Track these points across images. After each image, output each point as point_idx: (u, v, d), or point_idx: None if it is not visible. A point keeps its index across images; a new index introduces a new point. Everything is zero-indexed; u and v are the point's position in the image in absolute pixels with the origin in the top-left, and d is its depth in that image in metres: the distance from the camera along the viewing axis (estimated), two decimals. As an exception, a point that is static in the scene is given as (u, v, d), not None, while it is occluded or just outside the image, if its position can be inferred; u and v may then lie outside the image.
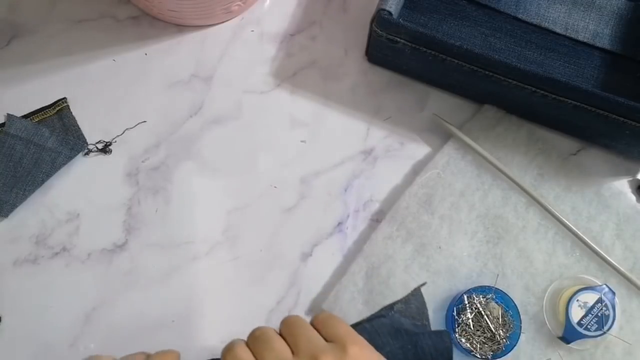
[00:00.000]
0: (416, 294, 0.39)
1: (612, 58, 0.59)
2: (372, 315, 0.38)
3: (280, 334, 0.33)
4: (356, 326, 0.37)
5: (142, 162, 0.55)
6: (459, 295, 0.50)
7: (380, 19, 0.51)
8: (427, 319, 0.39)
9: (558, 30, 0.59)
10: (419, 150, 0.57)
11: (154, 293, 0.52)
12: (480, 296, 0.50)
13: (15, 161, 0.53)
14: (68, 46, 0.58)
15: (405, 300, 0.39)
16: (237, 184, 0.55)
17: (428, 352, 0.36)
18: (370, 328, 0.37)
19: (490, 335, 0.49)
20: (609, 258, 0.52)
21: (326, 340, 0.33)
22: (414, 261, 0.52)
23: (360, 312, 0.51)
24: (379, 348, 0.35)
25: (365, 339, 0.34)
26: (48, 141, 0.54)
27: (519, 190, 0.54)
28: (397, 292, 0.51)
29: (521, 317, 0.50)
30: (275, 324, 0.52)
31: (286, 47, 0.60)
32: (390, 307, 0.39)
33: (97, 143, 0.55)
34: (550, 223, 0.54)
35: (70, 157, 0.54)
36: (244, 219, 0.54)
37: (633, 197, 0.56)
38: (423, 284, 0.40)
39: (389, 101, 0.58)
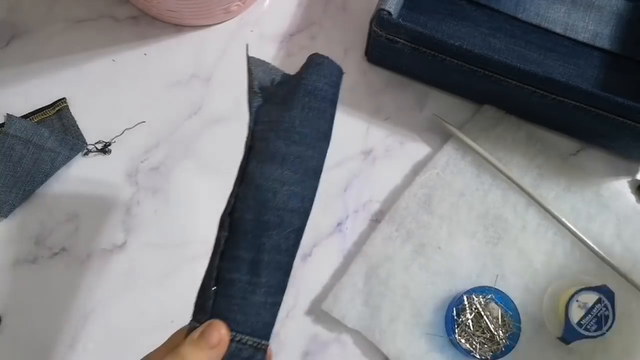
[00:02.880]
0: (250, 62, 0.39)
1: (611, 58, 0.59)
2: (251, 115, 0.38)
3: None
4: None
5: (142, 162, 0.55)
6: (459, 296, 0.50)
7: (379, 19, 0.51)
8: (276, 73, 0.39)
9: (558, 31, 0.59)
10: (419, 150, 0.57)
11: (153, 293, 0.52)
12: (480, 296, 0.50)
13: (15, 161, 0.53)
14: (67, 46, 0.58)
15: (251, 78, 0.39)
16: (237, 184, 0.55)
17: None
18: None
19: (490, 336, 0.49)
20: (608, 258, 0.52)
21: None
22: (413, 261, 0.52)
23: (359, 312, 0.51)
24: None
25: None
26: (47, 141, 0.54)
27: (518, 191, 0.54)
28: (396, 292, 0.51)
29: (521, 317, 0.50)
30: (275, 324, 0.52)
31: (286, 47, 0.60)
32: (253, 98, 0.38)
33: (96, 143, 0.55)
34: (549, 223, 0.54)
35: (69, 158, 0.54)
36: (244, 219, 0.54)
37: (632, 198, 0.56)
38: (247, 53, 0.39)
39: (389, 101, 0.58)
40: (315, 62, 0.37)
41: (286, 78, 0.39)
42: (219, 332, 0.32)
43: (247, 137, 0.36)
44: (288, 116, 0.35)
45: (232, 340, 0.33)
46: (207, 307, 0.33)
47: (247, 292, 0.33)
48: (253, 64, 0.38)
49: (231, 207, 0.35)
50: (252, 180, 0.34)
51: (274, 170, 0.34)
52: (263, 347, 0.34)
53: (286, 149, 0.35)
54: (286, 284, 0.35)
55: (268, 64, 0.39)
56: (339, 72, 0.38)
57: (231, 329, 0.33)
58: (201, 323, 0.33)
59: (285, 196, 0.34)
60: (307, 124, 0.36)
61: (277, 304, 0.35)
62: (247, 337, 0.33)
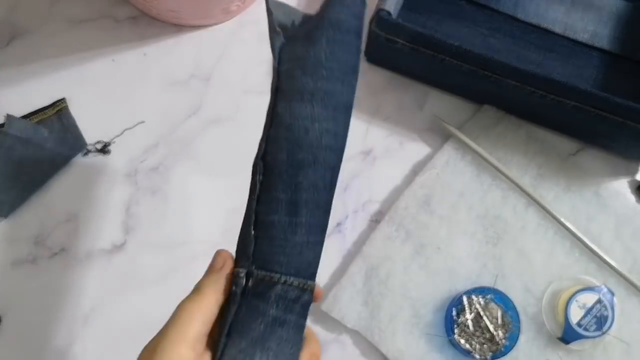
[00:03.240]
0: (269, 3, 0.37)
1: (611, 58, 0.59)
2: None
3: None
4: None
5: (141, 162, 0.55)
6: (458, 296, 0.50)
7: (379, 19, 0.51)
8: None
9: (557, 31, 0.59)
10: (419, 150, 0.57)
11: (153, 293, 0.52)
12: (480, 297, 0.50)
13: (15, 161, 0.53)
14: (67, 46, 0.58)
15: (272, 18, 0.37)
16: (236, 184, 0.55)
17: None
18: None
19: (490, 336, 0.49)
20: (608, 258, 0.52)
21: None
22: (413, 262, 0.52)
23: (359, 312, 0.51)
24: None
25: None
26: (47, 141, 0.54)
27: (518, 191, 0.54)
28: (396, 292, 0.51)
29: (520, 317, 0.50)
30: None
31: (285, 47, 0.60)
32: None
33: (96, 143, 0.55)
34: (549, 223, 0.54)
35: (69, 158, 0.54)
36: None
37: (632, 198, 0.56)
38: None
39: (388, 101, 0.58)
40: None
41: (307, 18, 0.37)
42: (222, 256, 0.34)
43: (273, 79, 0.35)
44: (313, 51, 0.34)
45: (277, 282, 0.32)
46: (248, 252, 0.33)
47: (288, 232, 0.33)
48: (272, 5, 0.36)
49: (263, 150, 0.34)
50: (282, 121, 0.33)
51: (304, 107, 0.33)
52: (309, 287, 0.33)
53: (314, 84, 0.33)
54: (327, 223, 0.34)
55: (287, 5, 0.37)
56: (361, 3, 0.36)
57: (275, 271, 0.33)
58: (245, 268, 0.33)
59: (317, 133, 0.33)
60: (333, 57, 0.34)
61: (319, 243, 0.34)
62: (292, 279, 0.33)
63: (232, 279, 0.33)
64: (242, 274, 0.33)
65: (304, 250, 0.33)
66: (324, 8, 0.36)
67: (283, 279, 0.33)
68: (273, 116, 0.34)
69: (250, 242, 0.33)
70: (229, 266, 0.34)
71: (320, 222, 0.34)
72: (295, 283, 0.33)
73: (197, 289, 0.33)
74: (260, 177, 0.34)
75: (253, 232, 0.33)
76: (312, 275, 0.34)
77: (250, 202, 0.34)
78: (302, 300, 0.33)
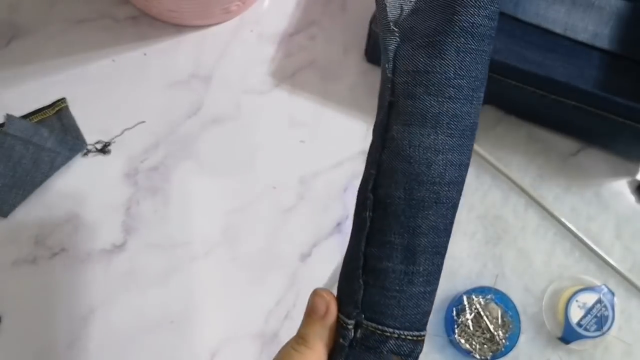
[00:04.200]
0: None
1: (611, 58, 0.59)
2: None
3: None
4: None
5: (141, 162, 0.55)
6: (458, 296, 0.50)
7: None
8: None
9: (557, 31, 0.59)
10: (418, 150, 0.57)
11: (153, 293, 0.52)
12: (480, 297, 0.50)
13: (15, 161, 0.53)
14: (67, 46, 0.58)
15: None
16: (236, 185, 0.55)
17: None
18: None
19: (490, 336, 0.49)
20: (608, 258, 0.52)
21: None
22: (413, 262, 0.52)
23: (359, 312, 0.51)
24: None
25: None
26: (47, 141, 0.54)
27: (518, 191, 0.54)
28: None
29: (520, 317, 0.50)
30: (275, 324, 0.52)
31: (285, 47, 0.60)
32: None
33: (96, 143, 0.55)
34: (549, 223, 0.54)
35: (69, 158, 0.54)
36: (243, 219, 0.54)
37: (632, 198, 0.56)
38: None
39: (389, 101, 0.58)
40: None
41: (422, 5, 0.31)
42: (323, 299, 0.30)
43: (385, 89, 0.30)
44: (439, 65, 0.29)
45: (389, 337, 0.29)
46: (356, 299, 0.29)
47: (404, 283, 0.29)
48: None
49: (373, 182, 0.30)
50: (399, 149, 0.29)
51: (426, 135, 0.29)
52: (422, 338, 0.30)
53: (439, 107, 0.28)
54: (442, 266, 0.30)
55: None
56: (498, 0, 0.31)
57: (388, 325, 0.29)
58: (353, 318, 0.29)
59: (441, 167, 0.29)
60: (463, 72, 0.29)
61: (435, 291, 0.30)
62: (406, 333, 0.29)
63: (338, 328, 0.30)
64: (351, 326, 0.30)
65: (420, 302, 0.30)
66: (450, 3, 0.29)
67: (397, 333, 0.29)
68: (386, 140, 0.30)
69: (359, 289, 0.30)
70: (333, 313, 0.30)
71: (438, 268, 0.30)
72: (410, 337, 0.30)
73: (304, 340, 0.31)
74: (370, 214, 0.30)
75: (362, 277, 0.30)
76: (425, 324, 0.31)
77: (357, 240, 0.30)
78: (415, 353, 0.30)
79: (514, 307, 0.50)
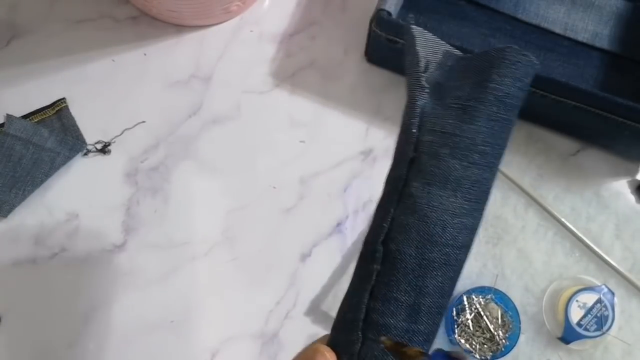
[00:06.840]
0: (415, 37, 0.31)
1: (611, 58, 0.59)
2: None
3: None
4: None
5: (141, 162, 0.55)
6: (458, 296, 0.50)
7: (379, 19, 0.51)
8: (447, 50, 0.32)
9: (557, 31, 0.59)
10: (419, 150, 0.57)
11: (153, 293, 0.52)
12: (480, 297, 0.50)
13: (15, 161, 0.53)
14: (67, 46, 0.58)
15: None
16: (236, 185, 0.55)
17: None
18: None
19: (490, 336, 0.49)
20: (608, 258, 0.52)
21: None
22: (413, 261, 0.52)
23: (359, 312, 0.51)
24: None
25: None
26: (47, 141, 0.54)
27: (518, 191, 0.54)
28: (396, 292, 0.51)
29: (520, 317, 0.50)
30: (274, 324, 0.52)
31: (285, 47, 0.60)
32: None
33: (96, 143, 0.55)
34: (549, 223, 0.54)
35: (69, 158, 0.54)
36: (243, 219, 0.54)
37: (632, 198, 0.56)
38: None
39: (389, 101, 0.58)
40: (510, 59, 0.30)
41: (453, 63, 0.31)
42: (325, 357, 0.29)
43: (407, 144, 0.30)
44: (469, 130, 0.29)
45: None
46: (353, 350, 0.29)
47: (404, 340, 0.29)
48: (420, 44, 0.30)
49: (384, 234, 0.29)
50: (416, 207, 0.29)
51: (446, 198, 0.29)
52: None
53: (463, 171, 0.29)
54: (439, 326, 0.30)
55: (432, 37, 0.31)
56: (533, 72, 0.31)
57: None
58: None
59: (455, 230, 0.29)
60: (490, 140, 0.29)
61: (430, 348, 0.30)
62: None
63: None
64: None
65: None
66: (489, 70, 0.29)
67: None
68: (403, 195, 0.29)
69: (357, 341, 0.29)
70: None
71: (437, 327, 0.30)
72: None
73: None
74: (378, 267, 0.29)
75: (361, 330, 0.29)
76: None
77: (360, 291, 0.30)
78: None
79: (514, 307, 0.50)
